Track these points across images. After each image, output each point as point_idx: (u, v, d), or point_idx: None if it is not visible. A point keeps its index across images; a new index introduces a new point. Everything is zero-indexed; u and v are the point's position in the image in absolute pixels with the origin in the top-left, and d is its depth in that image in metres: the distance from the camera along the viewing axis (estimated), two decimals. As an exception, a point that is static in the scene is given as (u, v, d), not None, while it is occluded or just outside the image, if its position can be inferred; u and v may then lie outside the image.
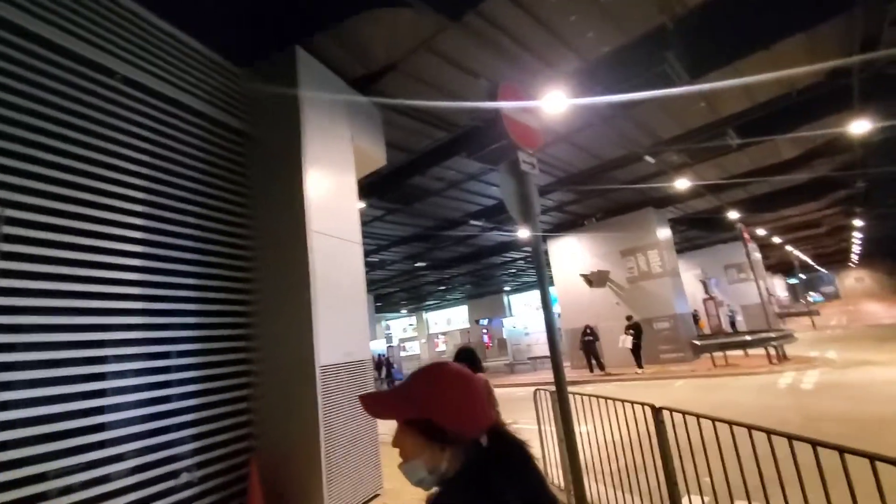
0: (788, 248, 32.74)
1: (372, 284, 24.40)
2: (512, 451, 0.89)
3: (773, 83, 7.98)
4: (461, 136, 8.20)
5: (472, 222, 13.53)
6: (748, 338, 10.69)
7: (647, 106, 8.17)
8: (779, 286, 42.07)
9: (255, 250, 4.68)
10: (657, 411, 2.71)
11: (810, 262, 45.92)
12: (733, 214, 17.12)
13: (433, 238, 15.40)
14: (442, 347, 39.98)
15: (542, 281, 3.14)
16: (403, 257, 18.67)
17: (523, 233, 15.49)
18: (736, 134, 9.64)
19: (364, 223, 13.43)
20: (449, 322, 40.23)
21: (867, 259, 52.00)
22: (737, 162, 12.04)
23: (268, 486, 4.08)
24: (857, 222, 24.03)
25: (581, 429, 3.70)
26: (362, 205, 10.08)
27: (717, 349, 10.87)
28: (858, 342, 12.97)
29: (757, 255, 26.57)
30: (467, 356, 3.42)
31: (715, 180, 12.22)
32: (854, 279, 61.96)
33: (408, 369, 26.11)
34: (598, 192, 12.42)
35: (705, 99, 8.23)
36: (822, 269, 57.23)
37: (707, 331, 17.01)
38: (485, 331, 32.16)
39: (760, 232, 22.89)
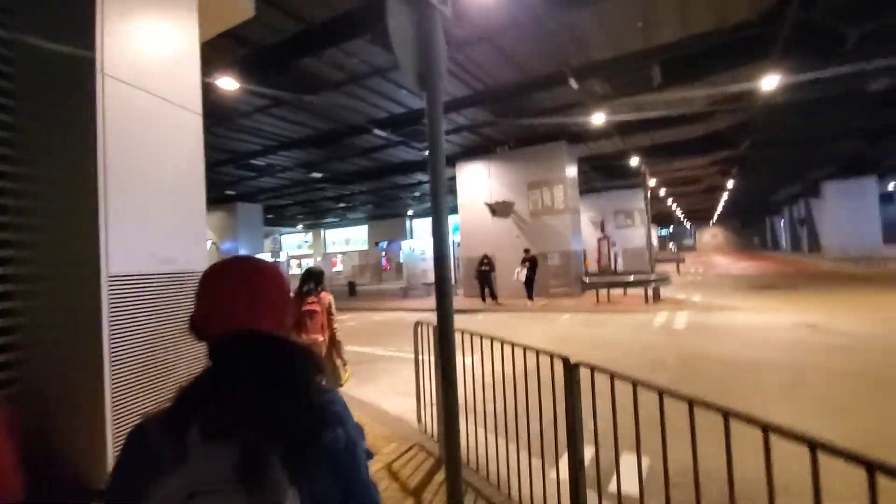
0: (669, 201, 35.97)
1: (261, 193, 21.85)
2: (237, 362, 0.73)
3: (707, 12, 7.44)
4: (368, 9, 6.57)
5: (377, 131, 12.01)
6: (631, 278, 11.16)
7: (582, 14, 7.22)
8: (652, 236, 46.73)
9: (18, 97, 3.01)
10: (571, 368, 1.98)
11: (681, 216, 51.60)
12: (634, 161, 17.63)
13: (331, 145, 13.62)
14: (339, 267, 38.78)
15: (436, 185, 2.13)
16: (297, 164, 16.58)
17: (432, 152, 14.37)
18: (660, 71, 9.22)
19: (244, 114, 11.23)
20: (348, 242, 38.81)
21: (723, 218, 59.88)
22: (653, 103, 11.87)
23: (31, 434, 2.85)
24: (729, 183, 26.58)
25: (465, 360, 3.02)
26: (234, 84, 8.08)
27: (602, 286, 11.24)
28: (716, 289, 14.43)
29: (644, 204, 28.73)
30: (311, 275, 3.70)
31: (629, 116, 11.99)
32: (710, 235, 71.76)
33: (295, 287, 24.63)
34: (514, 114, 11.56)
35: (643, 19, 7.48)
36: (687, 224, 65.04)
37: (593, 269, 17.97)
38: (383, 253, 31.45)
39: (651, 182, 24.38)
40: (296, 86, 8.94)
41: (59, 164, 2.92)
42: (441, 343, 2.07)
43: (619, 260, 24.93)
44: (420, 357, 3.88)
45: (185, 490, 0.60)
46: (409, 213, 32.90)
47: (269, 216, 29.43)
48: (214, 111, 10.41)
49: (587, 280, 11.42)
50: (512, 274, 12.93)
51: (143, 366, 3.05)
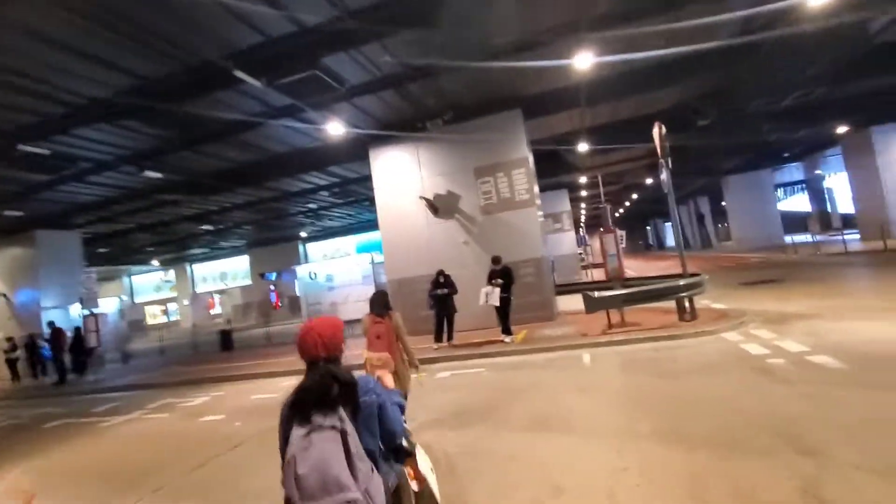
0: (581, 204, 34.92)
1: (76, 213, 14.69)
2: None
3: None
4: None
5: (241, 75, 7.02)
6: (658, 285, 7.63)
7: None
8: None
9: None
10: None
11: (582, 222, 52.13)
12: (582, 147, 14.60)
13: (166, 108, 8.16)
14: (218, 309, 31.05)
15: None
16: (118, 158, 10.59)
17: (335, 128, 9.65)
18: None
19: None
20: (224, 277, 31.35)
21: (622, 223, 62.26)
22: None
23: None
24: (649, 180, 25.31)
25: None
26: None
27: (620, 303, 7.53)
28: (722, 292, 11.59)
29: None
30: (373, 301, 4.18)
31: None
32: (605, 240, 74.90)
33: (151, 341, 17.41)
34: (465, 54, 7.44)
35: None
36: (583, 231, 66.77)
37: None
38: (272, 287, 25.21)
39: (583, 180, 22.06)
40: None
41: None
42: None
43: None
44: None
45: (306, 430, 1.37)
46: (303, 234, 27.04)
47: (105, 250, 21.63)
48: None
49: (595, 295, 7.67)
50: (468, 298, 8.69)
51: None
